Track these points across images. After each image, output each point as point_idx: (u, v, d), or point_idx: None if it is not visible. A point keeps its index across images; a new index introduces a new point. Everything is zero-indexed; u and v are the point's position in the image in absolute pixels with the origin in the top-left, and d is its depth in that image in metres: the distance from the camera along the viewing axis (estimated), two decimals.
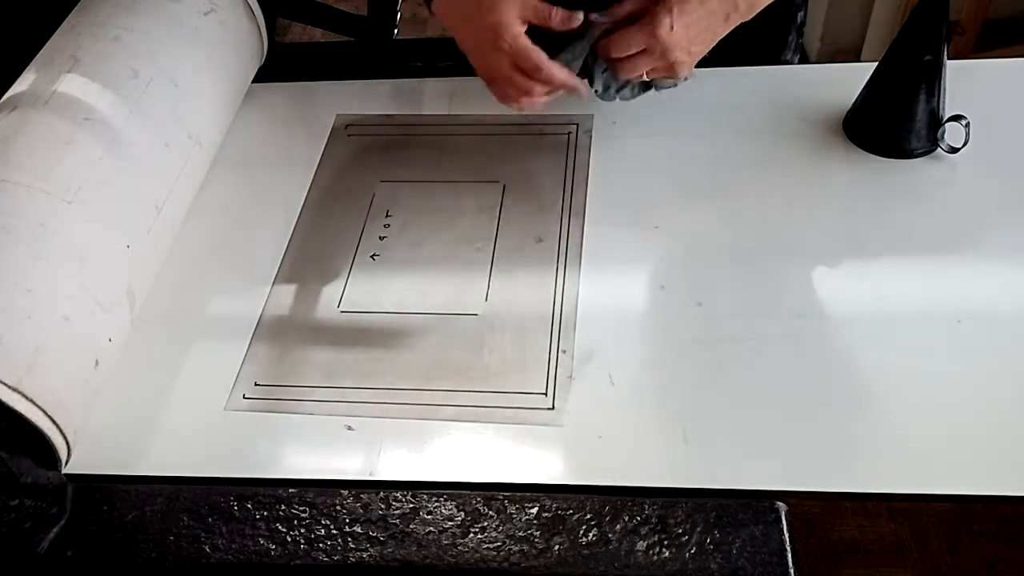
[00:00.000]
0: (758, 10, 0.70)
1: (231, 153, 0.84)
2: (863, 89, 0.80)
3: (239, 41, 0.85)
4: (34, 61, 0.73)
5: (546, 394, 0.63)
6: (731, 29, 0.70)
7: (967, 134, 0.75)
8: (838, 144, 0.80)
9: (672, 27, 0.67)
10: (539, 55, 0.67)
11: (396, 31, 1.00)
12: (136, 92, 0.71)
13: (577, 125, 0.85)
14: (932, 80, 0.75)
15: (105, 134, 0.67)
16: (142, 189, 0.69)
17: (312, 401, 0.64)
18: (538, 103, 0.71)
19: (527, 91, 0.69)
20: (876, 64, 0.78)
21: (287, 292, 0.72)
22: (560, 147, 0.83)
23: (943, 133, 0.77)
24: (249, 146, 0.87)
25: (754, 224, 0.74)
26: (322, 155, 0.85)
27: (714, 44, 0.70)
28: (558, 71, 0.68)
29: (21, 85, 0.70)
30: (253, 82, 0.90)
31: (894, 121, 0.77)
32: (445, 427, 0.62)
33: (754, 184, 0.77)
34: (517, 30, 0.66)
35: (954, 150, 0.77)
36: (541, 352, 0.66)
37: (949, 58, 0.75)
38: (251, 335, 0.69)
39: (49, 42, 0.75)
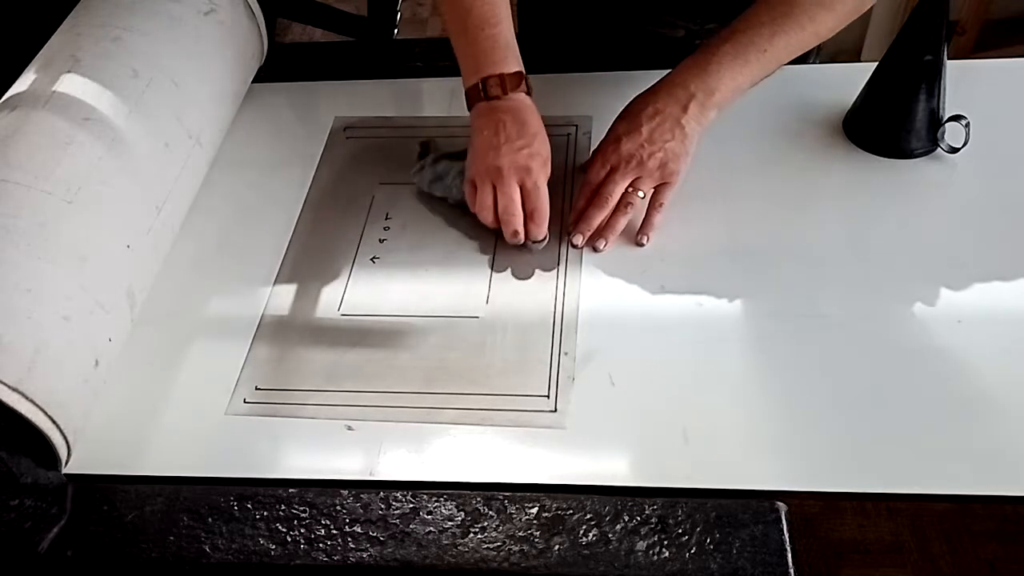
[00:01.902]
0: (723, 95, 0.71)
1: (231, 153, 0.84)
2: (863, 89, 0.80)
3: (239, 41, 0.85)
4: (34, 61, 0.73)
5: (548, 396, 0.63)
6: (701, 118, 0.71)
7: (967, 134, 0.75)
8: (838, 144, 0.80)
9: (620, 137, 0.72)
10: (546, 206, 0.71)
11: (396, 31, 1.00)
12: (136, 92, 0.71)
13: (576, 126, 0.85)
14: (932, 80, 0.75)
15: (105, 134, 0.67)
16: (142, 189, 0.69)
17: (313, 405, 0.64)
18: (515, 239, 0.72)
19: (512, 223, 0.71)
20: (876, 64, 0.78)
21: (287, 295, 0.72)
22: (559, 148, 0.83)
23: (943, 133, 0.77)
24: (249, 146, 0.87)
25: (754, 224, 0.74)
26: (320, 157, 0.85)
27: (688, 135, 0.71)
28: (545, 225, 0.71)
29: (21, 85, 0.70)
30: (253, 82, 0.90)
31: (894, 121, 0.77)
32: (445, 427, 0.62)
33: (754, 184, 0.77)
34: (545, 174, 0.71)
35: (954, 150, 0.77)
36: (543, 354, 0.66)
37: (949, 58, 0.75)
38: (251, 338, 0.69)
39: (49, 42, 0.75)
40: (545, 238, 0.72)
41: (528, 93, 0.73)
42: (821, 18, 0.71)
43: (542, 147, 0.71)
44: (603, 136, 0.75)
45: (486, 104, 0.71)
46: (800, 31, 0.71)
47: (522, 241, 0.72)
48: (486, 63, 0.71)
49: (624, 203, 0.72)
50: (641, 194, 0.72)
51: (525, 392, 0.63)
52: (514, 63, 0.72)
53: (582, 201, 0.74)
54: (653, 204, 0.73)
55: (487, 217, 0.72)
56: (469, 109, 0.73)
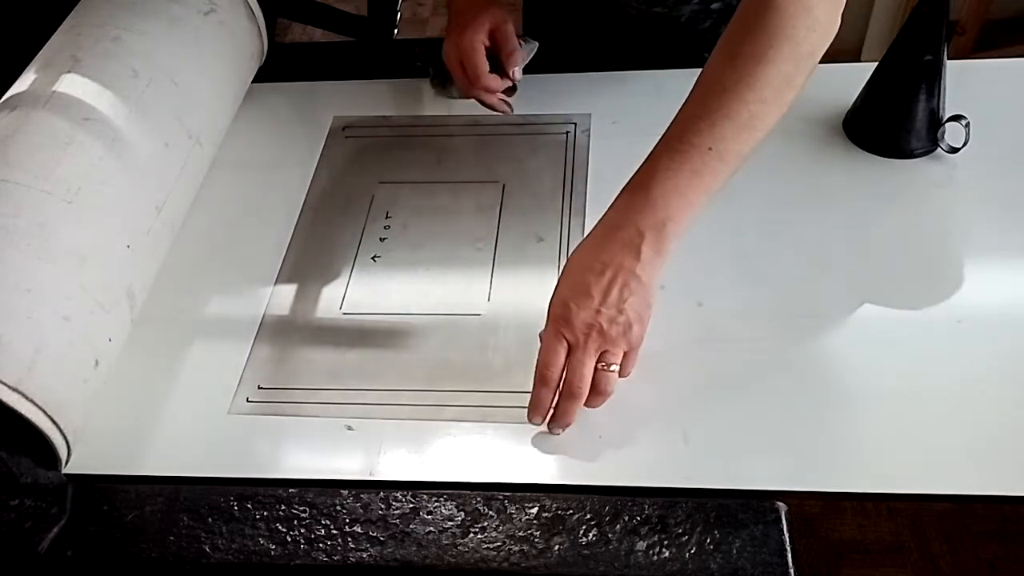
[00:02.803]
0: (677, 222, 0.59)
1: (231, 153, 0.84)
2: (863, 89, 0.80)
3: (239, 41, 0.85)
4: (34, 61, 0.73)
5: None
6: (657, 260, 0.59)
7: (967, 134, 0.75)
8: (838, 144, 0.80)
9: (568, 305, 0.59)
10: (481, 64, 0.79)
11: (396, 31, 1.00)
12: (136, 92, 0.71)
13: (575, 124, 0.85)
14: (932, 80, 0.75)
15: (105, 134, 0.67)
16: (142, 189, 0.69)
17: (316, 404, 0.64)
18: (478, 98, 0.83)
19: (462, 85, 0.82)
20: (876, 64, 0.78)
21: (289, 294, 0.72)
22: (559, 146, 0.83)
23: (943, 133, 0.77)
24: (249, 146, 0.87)
25: (754, 224, 0.74)
26: (320, 157, 0.85)
27: (647, 285, 0.59)
28: (494, 83, 0.80)
29: (21, 85, 0.70)
30: (253, 82, 0.90)
31: (894, 121, 0.77)
32: (445, 427, 0.62)
33: (754, 184, 0.77)
34: (480, 36, 0.79)
35: (954, 150, 0.77)
36: None
37: (949, 58, 0.75)
38: (253, 337, 0.69)
39: (49, 42, 0.75)
40: (511, 88, 0.83)
41: None
42: (762, 77, 0.58)
43: (478, 14, 0.79)
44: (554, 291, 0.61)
45: None
46: (744, 106, 0.58)
47: (486, 101, 0.82)
48: None
49: (598, 388, 0.59)
50: (614, 367, 0.59)
51: (527, 389, 0.63)
52: None
53: (541, 389, 0.59)
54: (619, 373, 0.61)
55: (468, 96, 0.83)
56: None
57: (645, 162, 0.61)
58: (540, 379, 0.60)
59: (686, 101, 0.61)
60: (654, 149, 0.61)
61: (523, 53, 0.83)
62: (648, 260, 0.59)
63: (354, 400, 0.64)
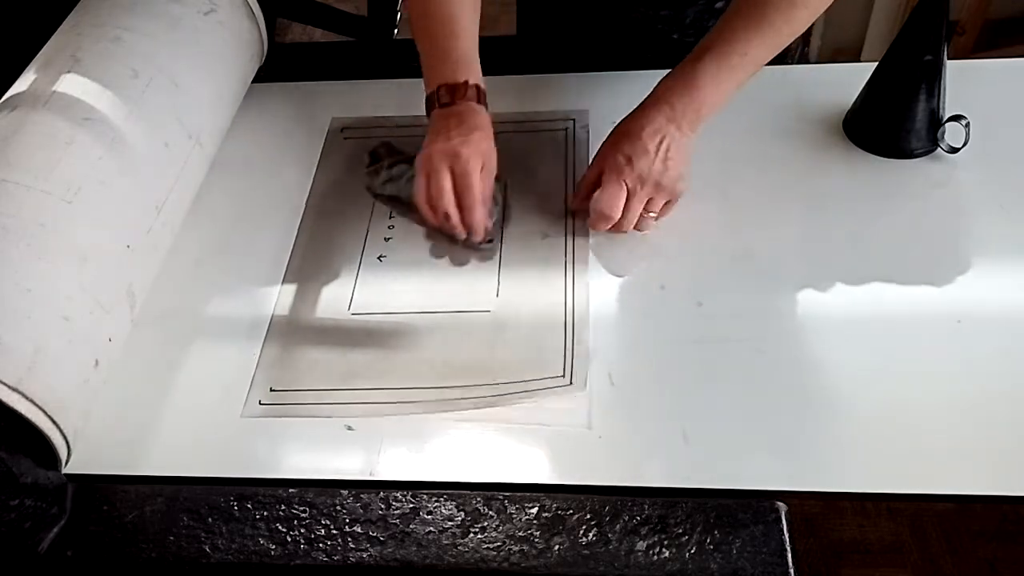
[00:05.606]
0: (710, 108, 0.71)
1: (231, 153, 0.84)
2: (863, 89, 0.80)
3: (239, 41, 0.85)
4: (34, 61, 0.73)
5: (564, 375, 0.63)
6: (693, 135, 0.71)
7: (967, 134, 0.75)
8: (838, 144, 0.80)
9: (629, 157, 0.70)
10: (477, 191, 0.71)
11: (396, 31, 1.00)
12: (136, 92, 0.71)
13: (574, 120, 0.85)
14: (932, 80, 0.75)
15: (105, 134, 0.67)
16: (142, 189, 0.69)
17: (328, 404, 0.64)
18: (448, 224, 0.73)
19: (440, 206, 0.71)
20: (876, 64, 0.78)
21: (296, 296, 0.72)
22: (559, 143, 0.83)
23: (943, 133, 0.77)
24: (249, 146, 0.87)
25: (754, 224, 0.74)
26: (320, 158, 0.85)
27: (689, 152, 0.71)
28: (480, 215, 0.71)
29: (21, 85, 0.70)
30: (253, 82, 0.90)
31: (894, 121, 0.77)
32: (445, 427, 0.62)
33: (754, 184, 0.77)
34: (476, 161, 0.71)
35: (954, 150, 0.77)
36: (556, 343, 0.66)
37: (949, 58, 0.75)
38: (262, 340, 0.69)
39: (49, 42, 0.75)
40: (487, 239, 0.73)
41: (479, 101, 0.74)
42: (796, 16, 0.70)
43: (481, 141, 0.72)
44: (599, 149, 0.74)
45: (438, 111, 0.74)
46: (777, 34, 0.70)
47: (459, 232, 0.73)
48: (439, 73, 0.74)
49: (639, 228, 0.73)
50: (654, 215, 0.73)
51: (539, 376, 0.63)
52: (464, 73, 0.74)
53: (602, 223, 0.72)
54: (656, 218, 0.74)
55: (422, 207, 0.73)
56: (428, 116, 0.75)
57: (691, 56, 0.72)
58: (603, 217, 0.71)
59: (729, 16, 0.71)
60: (699, 45, 0.72)
61: (495, 210, 0.75)
62: (687, 132, 0.71)
63: (366, 400, 0.64)
